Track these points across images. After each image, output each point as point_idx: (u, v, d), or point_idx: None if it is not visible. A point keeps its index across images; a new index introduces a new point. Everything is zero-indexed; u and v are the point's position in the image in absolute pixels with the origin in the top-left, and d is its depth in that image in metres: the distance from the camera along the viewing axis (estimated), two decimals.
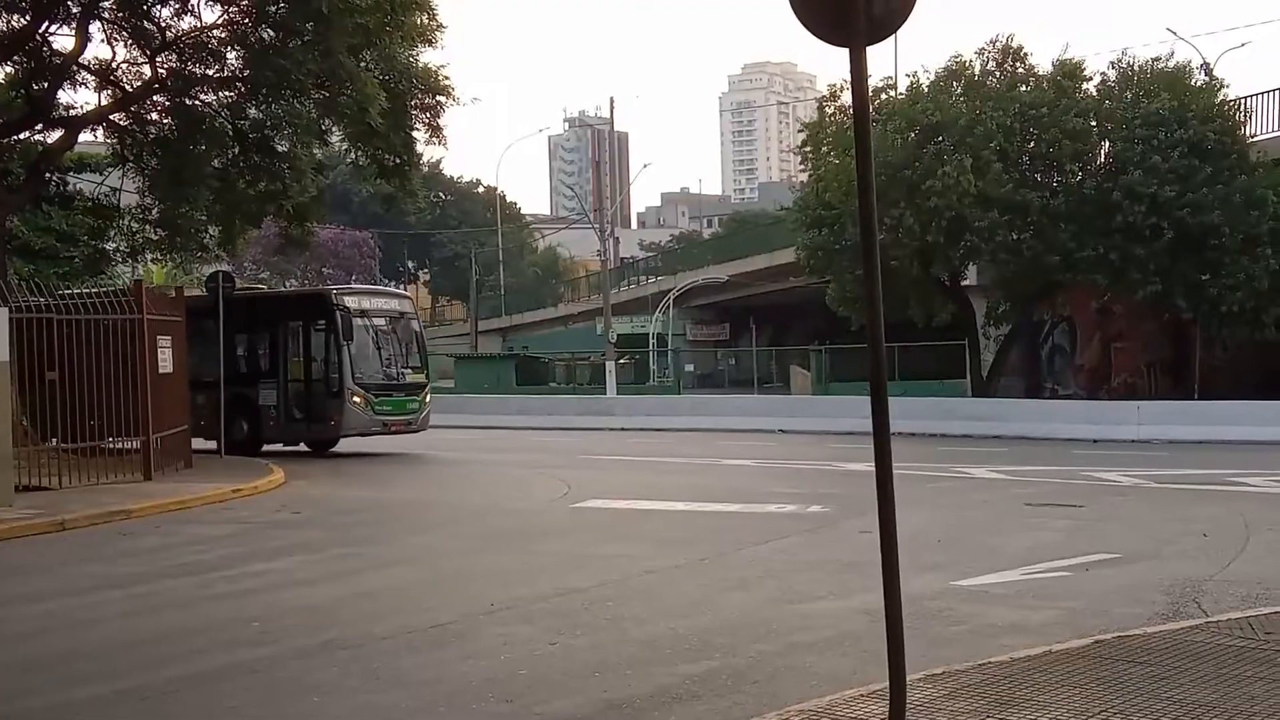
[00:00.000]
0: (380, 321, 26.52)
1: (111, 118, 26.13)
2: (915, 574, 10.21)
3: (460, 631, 9.19)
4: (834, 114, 37.21)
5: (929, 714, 6.45)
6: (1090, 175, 34.97)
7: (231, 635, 9.04)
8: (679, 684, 7.58)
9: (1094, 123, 34.85)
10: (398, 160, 26.41)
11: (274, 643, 8.79)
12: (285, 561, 12.50)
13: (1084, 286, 36.64)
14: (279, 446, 26.70)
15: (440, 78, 26.57)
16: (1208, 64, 39.84)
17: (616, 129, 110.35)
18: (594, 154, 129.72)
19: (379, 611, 9.88)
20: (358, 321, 25.73)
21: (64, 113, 26.27)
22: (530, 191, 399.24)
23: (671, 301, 58.14)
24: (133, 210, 28.71)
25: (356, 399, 25.09)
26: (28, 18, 24.08)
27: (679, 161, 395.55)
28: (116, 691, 7.60)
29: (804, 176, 42.14)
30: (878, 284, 6.47)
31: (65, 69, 25.23)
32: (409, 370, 26.91)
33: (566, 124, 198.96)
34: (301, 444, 27.05)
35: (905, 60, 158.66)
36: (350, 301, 26.10)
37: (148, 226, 28.48)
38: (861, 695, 6.80)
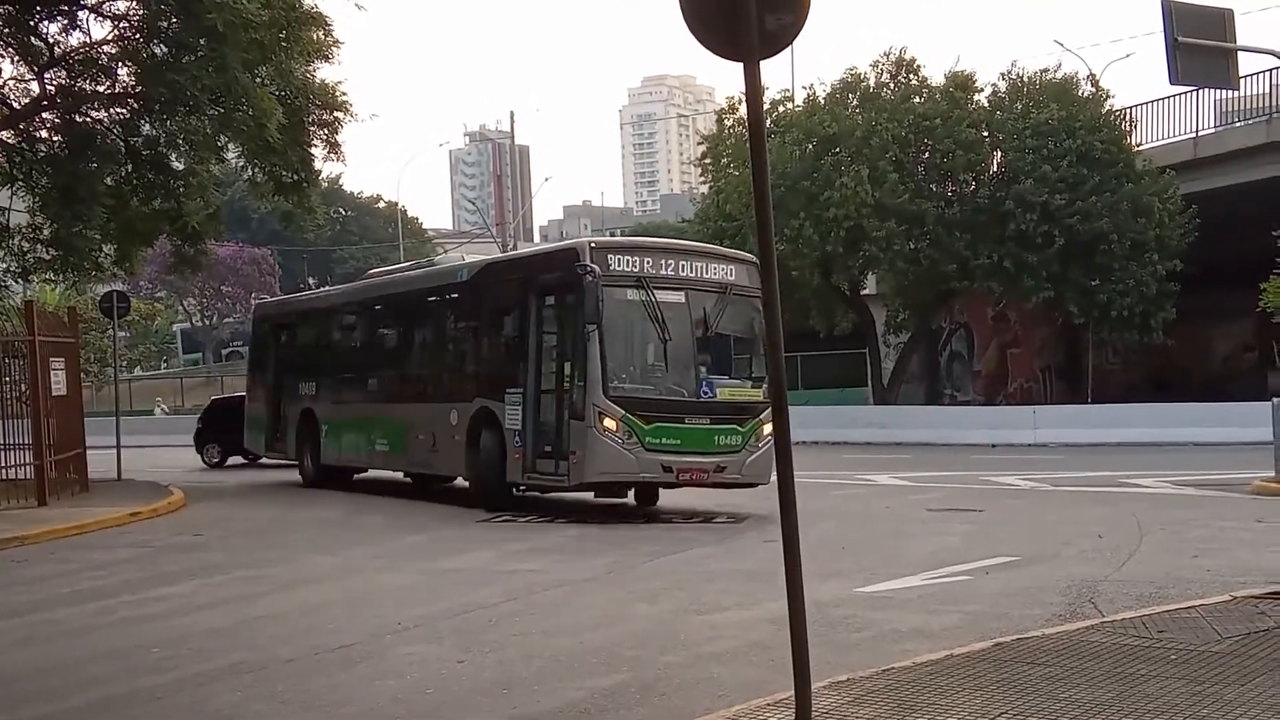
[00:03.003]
0: (672, 296, 16.71)
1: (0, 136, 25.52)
2: (820, 581, 10.33)
3: (368, 652, 9.11)
4: (733, 126, 37.58)
5: None
6: (983, 184, 35.70)
7: (132, 662, 8.86)
8: (587, 698, 7.59)
9: (986, 133, 35.60)
10: (295, 177, 26.09)
11: (175, 669, 8.62)
12: (187, 585, 12.29)
13: (980, 293, 37.37)
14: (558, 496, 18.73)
15: (338, 93, 26.34)
16: (1094, 75, 40.96)
17: (518, 142, 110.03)
18: (495, 168, 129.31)
19: (284, 634, 9.75)
20: (620, 294, 16.43)
21: None
22: (432, 206, 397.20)
23: None
24: (23, 230, 28.03)
25: (608, 423, 16.03)
26: None
27: (581, 175, 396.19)
28: None
29: (705, 189, 42.43)
30: (776, 295, 6.56)
31: None
32: (725, 380, 17.02)
33: (467, 138, 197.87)
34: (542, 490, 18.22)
35: (802, 73, 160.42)
36: (613, 260, 16.59)
37: (39, 246, 27.81)
38: (768, 704, 6.86)
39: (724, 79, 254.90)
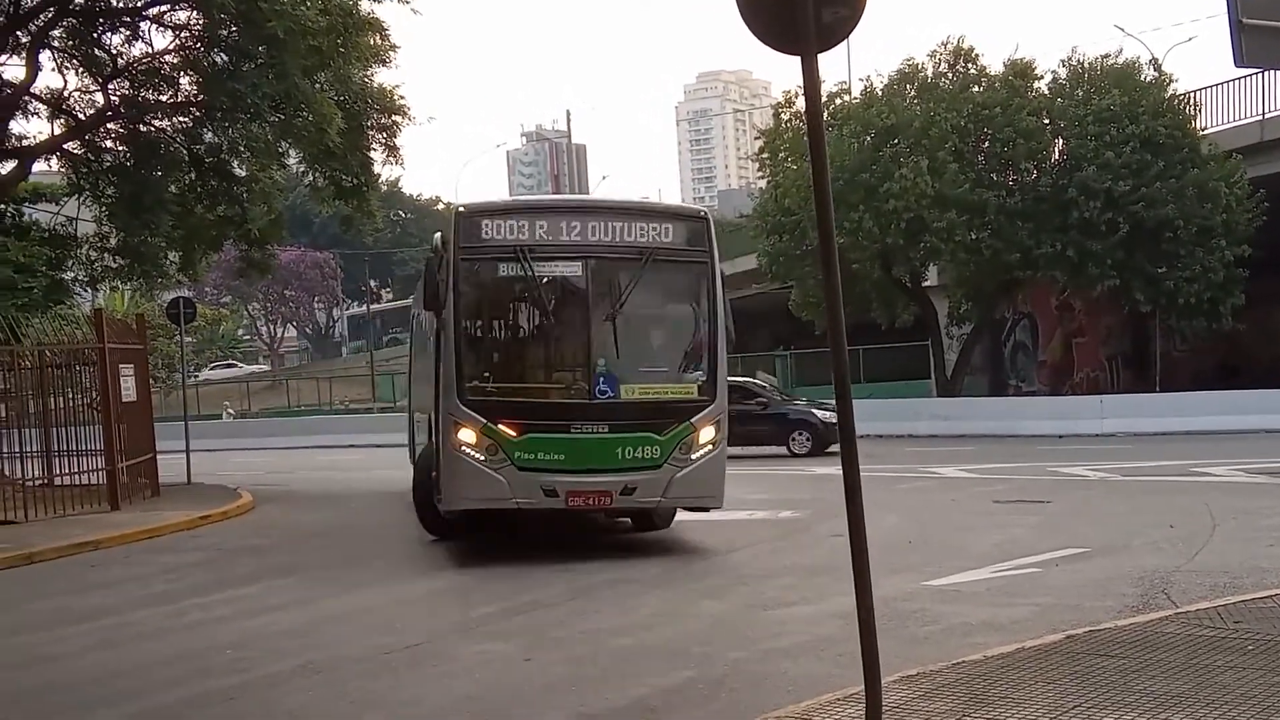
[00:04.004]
0: (564, 268, 13.15)
1: (65, 147, 25.94)
2: (887, 575, 10.26)
3: (434, 651, 9.17)
4: (789, 120, 37.41)
5: (905, 715, 6.48)
6: (1045, 173, 35.27)
7: (205, 664, 8.98)
8: (655, 695, 7.60)
9: (1047, 121, 35.16)
10: (355, 180, 26.31)
11: (248, 670, 8.73)
12: (256, 587, 12.42)
13: (1043, 283, 36.95)
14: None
15: (395, 97, 26.53)
16: (1156, 59, 40.33)
17: (574, 141, 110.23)
18: (552, 167, 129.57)
19: (351, 634, 9.83)
20: (490, 270, 13.15)
21: (16, 143, 26.06)
22: None
23: None
24: (90, 239, 28.51)
25: (463, 436, 12.73)
26: None
27: (638, 172, 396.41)
28: None
29: (762, 183, 42.27)
30: (838, 288, 6.51)
31: (16, 99, 25.06)
32: (641, 373, 13.24)
33: (524, 138, 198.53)
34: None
35: (858, 64, 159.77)
36: (487, 227, 13.05)
37: (106, 255, 28.27)
38: (838, 699, 6.83)
39: (780, 73, 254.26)
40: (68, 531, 16.51)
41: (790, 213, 35.73)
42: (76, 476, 19.54)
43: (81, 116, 25.78)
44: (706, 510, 13.88)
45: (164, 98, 24.89)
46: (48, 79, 26.17)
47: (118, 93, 25.13)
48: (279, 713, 7.69)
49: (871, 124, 35.07)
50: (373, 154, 26.82)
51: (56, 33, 24.65)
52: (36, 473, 19.69)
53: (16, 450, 19.78)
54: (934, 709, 6.59)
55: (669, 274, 13.38)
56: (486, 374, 13.13)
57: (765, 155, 38.93)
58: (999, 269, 35.17)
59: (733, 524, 15.79)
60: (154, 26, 24.71)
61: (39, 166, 27.89)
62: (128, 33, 24.75)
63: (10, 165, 25.84)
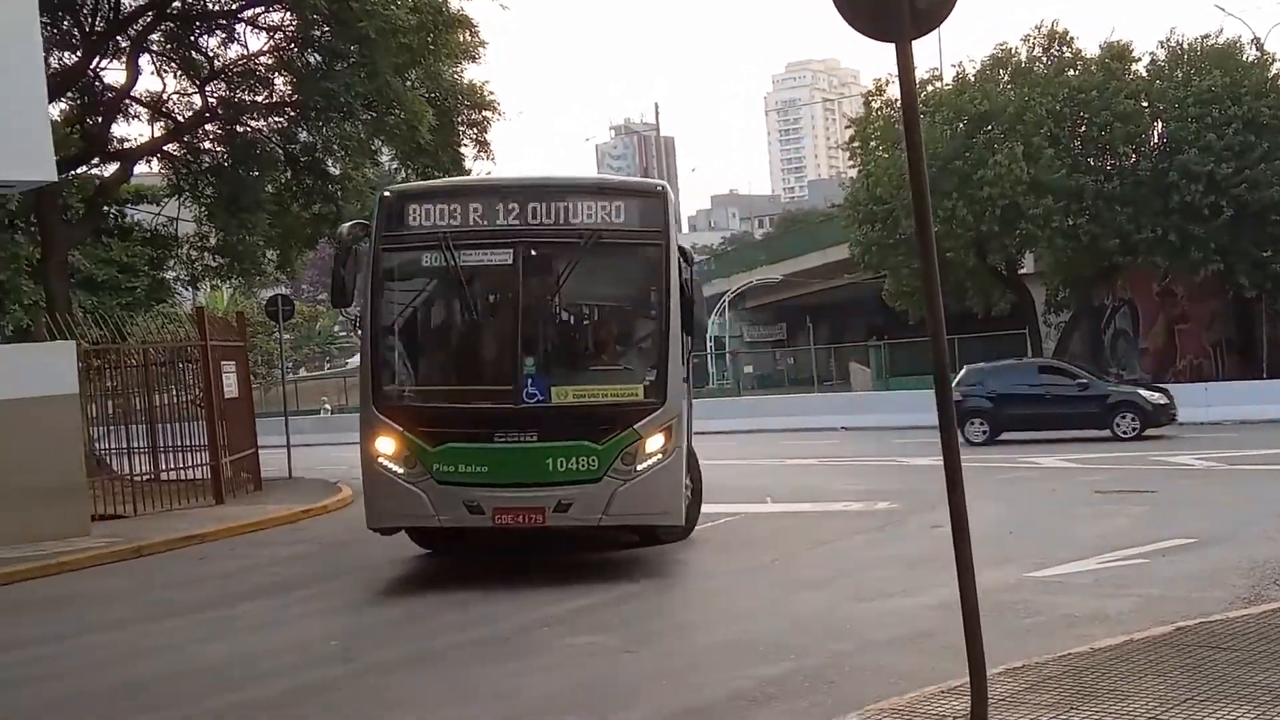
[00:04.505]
0: (491, 256, 11.63)
1: (165, 148, 26.51)
2: (988, 567, 10.10)
3: (532, 642, 9.22)
4: (880, 108, 37.08)
5: (1011, 708, 6.38)
6: (1144, 156, 34.60)
7: (311, 654, 9.11)
8: (755, 687, 7.56)
9: (1145, 103, 34.49)
10: (447, 176, 26.55)
11: (352, 660, 8.85)
12: (358, 579, 12.57)
13: (1144, 269, 36.23)
14: None
15: (485, 93, 26.75)
16: (1258, 39, 39.46)
17: (663, 134, 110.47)
18: (641, 160, 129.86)
19: (452, 624, 9.91)
20: (413, 260, 11.97)
21: (118, 146, 26.68)
22: None
23: (727, 304, 58.04)
24: (190, 238, 29.11)
25: (380, 445, 11.38)
26: (79, 54, 24.49)
27: (727, 163, 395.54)
28: (190, 714, 7.68)
29: (853, 172, 41.93)
30: (936, 277, 6.41)
31: (118, 103, 25.65)
32: (579, 373, 11.85)
33: (612, 131, 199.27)
34: None
35: (950, 51, 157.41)
36: (413, 213, 11.66)
37: (206, 254, 28.85)
38: (941, 691, 6.75)
39: (869, 62, 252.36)
40: (174, 525, 16.87)
41: (882, 201, 35.41)
42: (182, 471, 19.95)
43: (180, 118, 26.32)
44: (659, 530, 12.44)
45: (259, 98, 25.33)
46: (147, 82, 26.77)
47: (215, 94, 25.62)
48: (386, 701, 7.78)
49: (964, 110, 34.62)
50: (463, 150, 27.06)
51: (155, 36, 25.18)
52: (143, 468, 20.12)
53: (124, 446, 20.23)
54: (1041, 701, 6.48)
55: (615, 258, 11.78)
56: (404, 377, 11.87)
57: (856, 144, 38.62)
58: (1097, 255, 34.56)
59: (827, 515, 15.70)
60: (249, 28, 25.15)
61: (140, 168, 28.57)
62: (223, 35, 25.22)
63: (113, 167, 26.46)
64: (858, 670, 7.87)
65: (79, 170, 26.48)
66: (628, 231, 11.54)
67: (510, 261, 11.45)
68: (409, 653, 8.97)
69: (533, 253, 11.52)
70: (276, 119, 25.93)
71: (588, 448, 11.10)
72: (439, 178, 26.49)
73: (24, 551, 14.28)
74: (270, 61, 25.20)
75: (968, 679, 6.15)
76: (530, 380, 11.24)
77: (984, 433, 26.10)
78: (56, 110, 26.25)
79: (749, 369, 57.56)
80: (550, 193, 11.64)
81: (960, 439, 24.95)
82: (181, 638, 10.23)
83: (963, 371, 27.59)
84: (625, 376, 11.70)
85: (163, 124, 26.67)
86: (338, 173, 26.87)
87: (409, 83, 24.20)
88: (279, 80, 25.28)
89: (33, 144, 15.97)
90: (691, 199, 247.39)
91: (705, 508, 16.71)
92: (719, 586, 11.25)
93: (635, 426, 11.15)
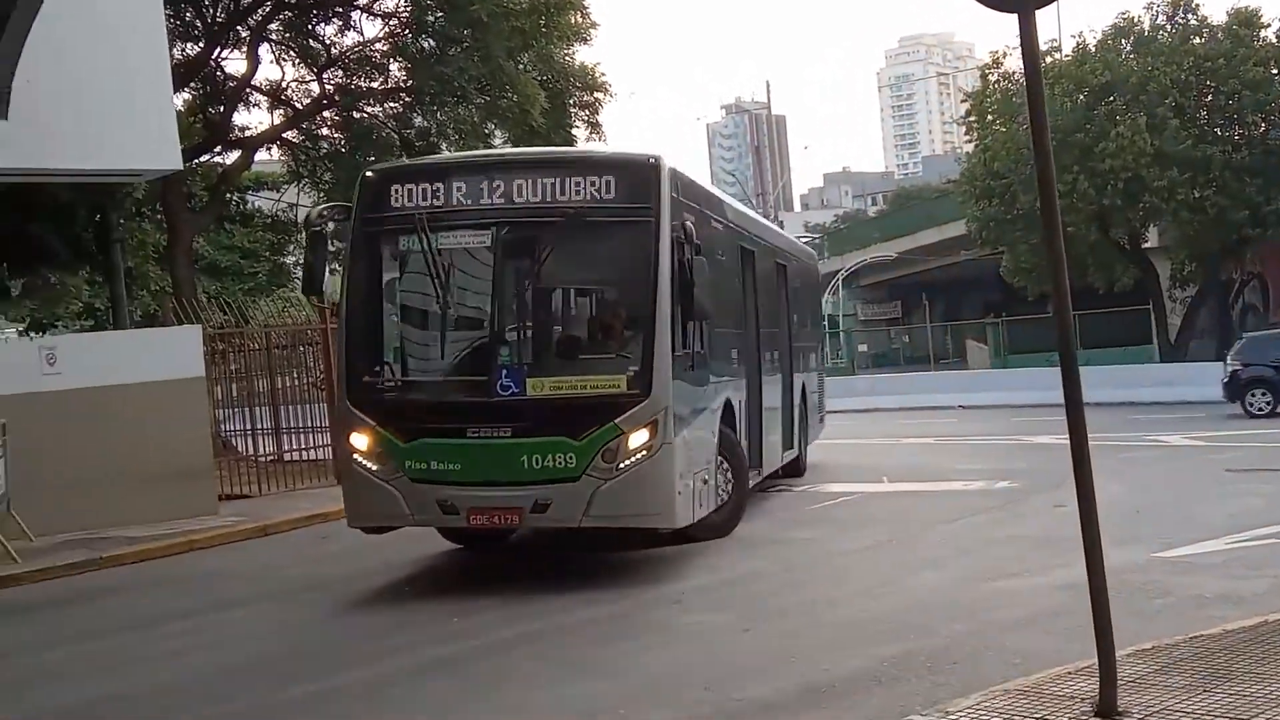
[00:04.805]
0: (467, 238, 10.87)
1: (284, 135, 26.98)
2: (1115, 547, 9.80)
3: (649, 621, 9.23)
4: (998, 81, 36.44)
5: (1140, 690, 6.22)
6: (1275, 125, 33.52)
7: (431, 632, 9.22)
8: (877, 666, 7.48)
9: (1275, 71, 33.39)
10: None
11: (473, 636, 8.94)
12: (470, 557, 12.67)
13: (1275, 241, 35.13)
14: None
15: (596, 74, 26.79)
16: None
17: (774, 112, 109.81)
18: (752, 139, 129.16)
19: (566, 603, 9.94)
20: (391, 243, 11.16)
21: (240, 134, 27.21)
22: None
23: (841, 282, 57.53)
24: None
25: (355, 441, 10.80)
26: (201, 45, 25.01)
27: (839, 140, 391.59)
28: (321, 691, 7.81)
29: (969, 147, 41.25)
30: (1061, 252, 6.26)
31: (239, 92, 26.15)
32: (557, 364, 10.79)
33: (724, 110, 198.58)
34: None
35: (1069, 21, 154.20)
36: (395, 194, 10.85)
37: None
38: (1069, 673, 6.60)
39: (984, 35, 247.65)
40: (298, 505, 17.19)
41: (1000, 176, 34.82)
42: (304, 452, 20.33)
43: (299, 106, 26.76)
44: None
45: (375, 84, 25.67)
46: (267, 71, 27.43)
47: (332, 81, 26.01)
48: (506, 676, 7.85)
49: (1085, 82, 33.88)
50: (575, 132, 27.12)
51: (274, 26, 25.63)
52: (267, 449, 20.55)
53: (248, 428, 20.68)
54: (1172, 683, 6.31)
55: (599, 238, 10.76)
56: (378, 368, 11.06)
57: (973, 118, 38.02)
58: (1225, 228, 33.60)
59: (948, 494, 15.49)
60: (364, 15, 25.47)
61: (261, 155, 29.11)
62: (340, 23, 25.57)
63: (235, 155, 27.00)
64: (980, 650, 7.75)
65: (202, 158, 27.08)
66: (612, 208, 10.48)
67: (488, 243, 10.68)
68: (522, 632, 9.03)
69: (511, 234, 10.67)
70: (392, 104, 26.25)
71: (565, 444, 10.17)
72: None
73: (157, 530, 14.70)
74: (385, 48, 25.51)
75: (1095, 660, 6.01)
76: (504, 371, 10.39)
77: (1268, 404, 25.04)
78: (180, 100, 26.87)
79: (863, 347, 57.00)
80: (531, 168, 10.81)
81: (1240, 411, 25.01)
82: (307, 614, 10.43)
83: (1241, 342, 26.98)
84: (607, 367, 10.60)
85: (282, 112, 27.15)
86: None
87: (521, 65, 24.34)
88: (394, 66, 25.59)
89: (159, 134, 16.41)
90: (804, 177, 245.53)
91: (823, 486, 16.70)
92: (837, 566, 11.16)
93: (616, 421, 10.12)
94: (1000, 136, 35.00)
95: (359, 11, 25.34)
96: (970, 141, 40.12)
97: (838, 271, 58.25)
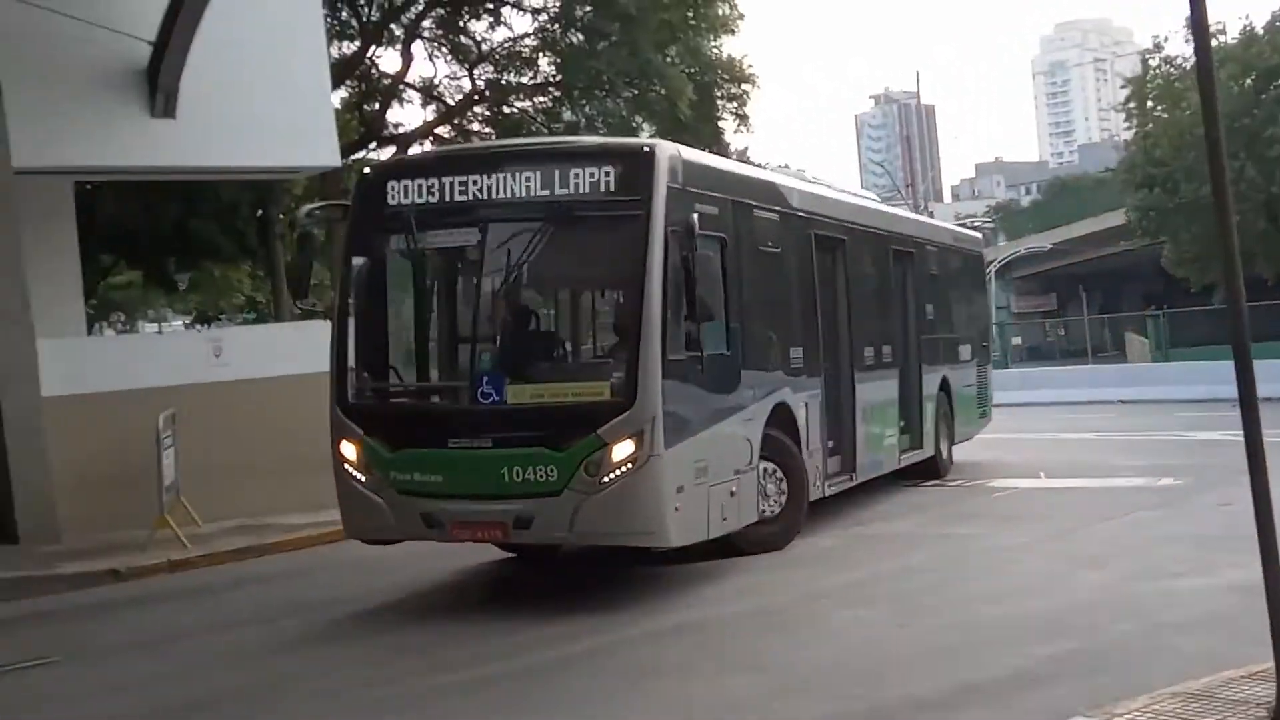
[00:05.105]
0: (456, 237, 10.37)
1: (436, 131, 27.50)
2: None
3: (801, 615, 9.15)
4: (1159, 66, 35.33)
5: None
6: None
7: (584, 623, 9.23)
8: (1036, 666, 7.30)
9: None
10: (707, 152, 26.66)
11: (617, 630, 8.95)
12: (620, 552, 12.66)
13: None
14: None
15: (744, 66, 26.72)
16: None
17: (924, 102, 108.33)
18: (901, 129, 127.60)
19: (718, 595, 9.93)
20: (383, 244, 10.51)
21: (394, 130, 27.82)
22: (838, 172, 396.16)
23: (993, 274, 56.41)
24: None
25: (345, 450, 10.21)
26: (357, 43, 25.61)
27: (991, 130, 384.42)
28: (471, 680, 7.91)
29: (1129, 134, 40.13)
30: (1234, 241, 6.03)
31: (393, 88, 26.74)
32: (538, 369, 10.20)
33: (872, 100, 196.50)
34: None
35: (1235, 3, 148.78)
36: (392, 192, 10.21)
37: None
38: (1242, 676, 6.35)
39: (1143, 19, 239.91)
40: None
41: (1161, 164, 33.81)
42: None
43: (450, 102, 27.27)
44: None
45: (524, 79, 26.02)
46: (420, 68, 27.94)
47: (482, 77, 26.47)
48: (661, 667, 7.85)
49: (1252, 65, 32.70)
50: (723, 124, 27.11)
51: (427, 23, 26.13)
52: None
53: None
54: None
55: (588, 234, 9.97)
56: (366, 374, 10.49)
57: (1133, 105, 36.96)
58: None
59: (1108, 491, 15.06)
60: (514, 11, 25.81)
61: (413, 151, 29.69)
62: (491, 19, 26.00)
63: (389, 151, 27.59)
64: (1145, 651, 7.51)
65: (358, 155, 27.74)
66: (601, 202, 9.64)
67: (475, 242, 10.13)
68: (674, 624, 9.02)
69: (497, 231, 10.00)
70: (541, 99, 26.58)
71: (546, 455, 9.36)
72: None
73: (316, 517, 15.02)
74: (535, 43, 25.83)
75: (1272, 664, 5.77)
76: (485, 378, 9.74)
77: None
78: (337, 98, 27.60)
79: (1017, 340, 55.82)
80: (520, 161, 10.10)
81: None
82: (457, 601, 10.57)
83: None
84: (591, 373, 10.14)
85: (434, 107, 27.71)
86: None
87: (669, 58, 24.43)
88: (543, 61, 25.92)
89: (318, 131, 16.82)
90: (954, 167, 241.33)
91: (978, 482, 16.36)
92: (994, 563, 10.91)
93: (599, 432, 9.25)
94: (1162, 123, 33.99)
95: (509, 7, 25.69)
96: (1130, 129, 39.07)
97: (990, 263, 57.12)
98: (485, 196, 9.89)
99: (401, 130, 28.05)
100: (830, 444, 13.03)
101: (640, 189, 9.52)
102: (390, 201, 10.11)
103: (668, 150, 9.88)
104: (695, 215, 9.54)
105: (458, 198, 9.94)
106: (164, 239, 24.09)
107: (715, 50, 26.51)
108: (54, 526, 13.85)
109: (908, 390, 15.58)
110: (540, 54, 26.01)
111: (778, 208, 12.13)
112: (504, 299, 10.24)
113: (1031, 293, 64.17)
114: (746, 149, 49.03)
